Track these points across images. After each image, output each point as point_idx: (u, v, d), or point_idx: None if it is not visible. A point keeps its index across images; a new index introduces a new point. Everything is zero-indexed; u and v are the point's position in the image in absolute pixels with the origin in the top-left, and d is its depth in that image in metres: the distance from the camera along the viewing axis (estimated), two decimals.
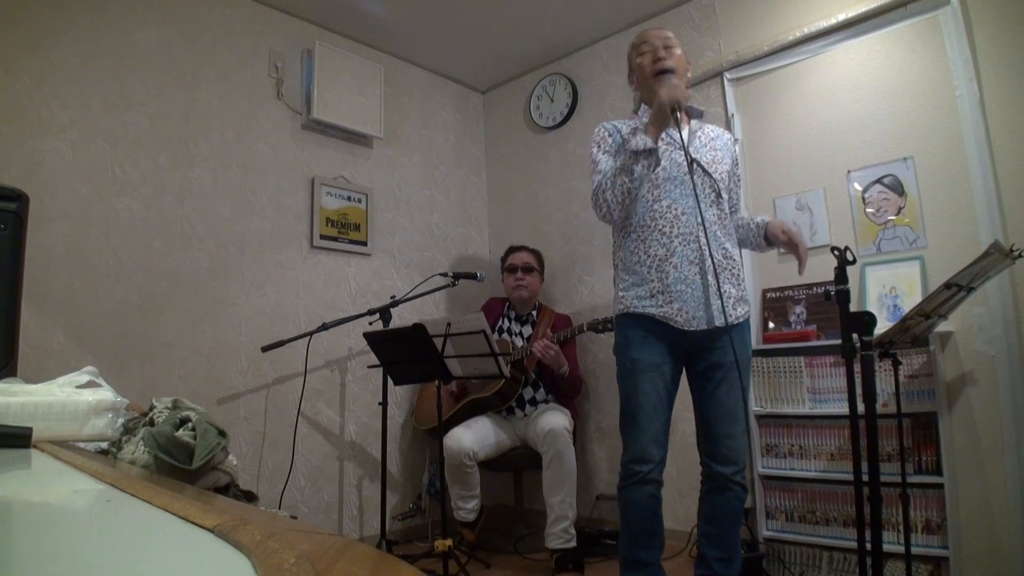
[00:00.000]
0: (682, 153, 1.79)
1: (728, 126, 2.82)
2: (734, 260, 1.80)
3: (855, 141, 2.48)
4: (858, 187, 2.46)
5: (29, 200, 1.45)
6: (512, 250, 3.13)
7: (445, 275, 2.94)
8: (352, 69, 3.11)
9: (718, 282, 1.68)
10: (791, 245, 1.77)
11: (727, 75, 2.83)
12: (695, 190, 1.72)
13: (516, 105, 3.78)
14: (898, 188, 2.36)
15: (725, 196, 1.85)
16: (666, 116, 1.63)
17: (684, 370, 1.83)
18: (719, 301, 1.71)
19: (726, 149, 1.90)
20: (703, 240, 1.73)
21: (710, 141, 1.88)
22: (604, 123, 1.94)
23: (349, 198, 3.13)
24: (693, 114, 1.89)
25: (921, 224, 2.30)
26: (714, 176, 1.80)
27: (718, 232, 1.78)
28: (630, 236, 1.81)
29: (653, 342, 1.74)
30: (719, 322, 1.71)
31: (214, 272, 2.64)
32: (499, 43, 3.42)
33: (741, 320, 1.79)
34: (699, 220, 1.72)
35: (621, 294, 1.81)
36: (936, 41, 2.30)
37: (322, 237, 3.00)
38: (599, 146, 1.88)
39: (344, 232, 3.09)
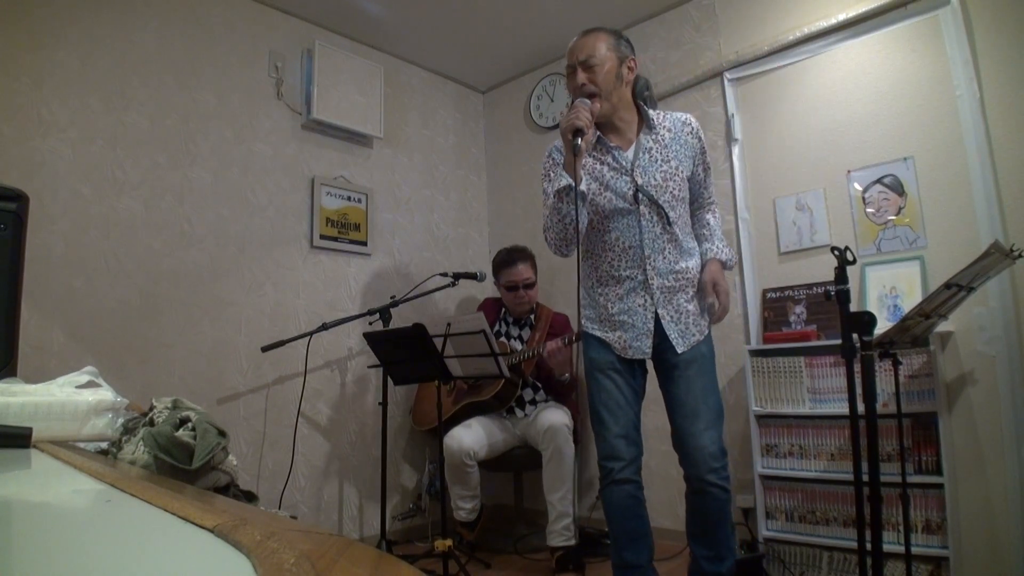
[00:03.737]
0: (627, 180, 1.74)
1: (728, 126, 2.82)
2: (689, 277, 1.78)
3: (855, 141, 2.48)
4: (858, 187, 2.46)
5: (29, 200, 1.45)
6: (505, 264, 2.96)
7: (445, 275, 2.94)
8: (352, 69, 3.11)
9: (646, 319, 1.74)
10: (715, 297, 1.75)
11: (727, 75, 2.83)
12: (639, 221, 1.73)
13: (516, 105, 3.78)
14: (898, 188, 2.36)
15: (679, 211, 1.77)
16: (570, 145, 1.63)
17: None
18: (674, 332, 1.74)
19: (685, 148, 1.79)
20: (649, 273, 1.74)
21: (663, 151, 1.77)
22: (554, 146, 1.85)
23: (349, 198, 3.13)
24: (645, 122, 1.79)
25: (921, 224, 2.30)
26: (661, 202, 1.73)
27: (668, 257, 1.75)
28: (587, 260, 1.84)
29: (608, 345, 1.80)
30: (668, 352, 1.75)
31: (214, 272, 2.64)
32: (499, 43, 3.42)
33: (694, 344, 1.76)
34: (644, 253, 1.74)
35: (582, 312, 1.87)
36: (936, 41, 2.30)
37: (322, 237, 3.00)
38: (547, 178, 1.82)
39: (344, 232, 3.09)
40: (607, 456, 1.75)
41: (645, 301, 1.74)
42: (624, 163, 1.76)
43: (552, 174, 1.80)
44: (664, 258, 1.74)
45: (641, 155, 1.77)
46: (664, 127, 1.81)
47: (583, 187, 1.69)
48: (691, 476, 1.72)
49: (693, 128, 1.83)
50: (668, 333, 1.74)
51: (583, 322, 1.85)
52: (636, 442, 1.75)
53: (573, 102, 1.71)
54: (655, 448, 2.76)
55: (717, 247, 1.83)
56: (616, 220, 1.75)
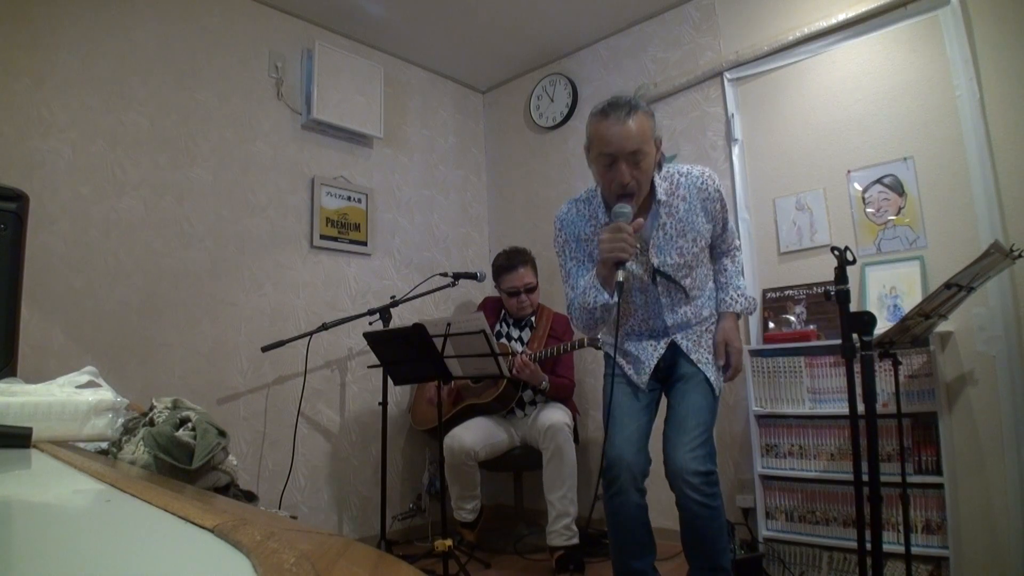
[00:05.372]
0: (643, 260, 1.69)
1: (728, 126, 2.82)
2: (704, 326, 1.80)
3: (855, 141, 2.48)
4: (858, 187, 2.46)
5: (29, 200, 1.45)
6: (506, 268, 2.93)
7: (445, 275, 2.94)
8: (352, 69, 3.11)
9: (657, 358, 1.77)
10: (724, 360, 1.79)
11: (727, 75, 2.83)
12: (658, 297, 1.73)
13: (516, 105, 3.78)
14: (898, 188, 2.36)
15: (696, 273, 1.75)
16: (611, 272, 1.55)
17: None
18: (686, 343, 1.78)
19: (703, 215, 1.70)
20: (672, 332, 1.77)
21: (677, 224, 1.68)
22: (564, 222, 1.77)
23: (349, 198, 3.13)
24: (655, 195, 1.68)
25: (921, 224, 2.30)
26: (678, 278, 1.71)
27: (688, 313, 1.77)
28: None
29: None
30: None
31: (214, 272, 2.64)
32: (499, 43, 3.42)
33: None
34: (665, 323, 1.76)
35: (602, 332, 1.91)
36: (936, 41, 2.30)
37: (322, 237, 3.00)
38: (566, 253, 1.77)
39: (344, 232, 3.09)
40: (614, 462, 1.70)
41: (657, 343, 1.78)
42: (638, 243, 1.68)
43: (569, 252, 1.76)
44: (684, 315, 1.77)
45: (656, 233, 1.68)
46: (678, 196, 1.68)
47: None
48: (671, 486, 1.69)
49: (710, 192, 1.70)
50: (681, 346, 1.76)
51: (606, 347, 1.89)
52: (644, 450, 1.72)
53: (612, 211, 1.57)
54: (657, 447, 2.76)
55: (732, 297, 1.81)
56: (635, 295, 1.75)
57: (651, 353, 1.78)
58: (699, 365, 1.75)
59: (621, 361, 1.82)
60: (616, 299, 1.55)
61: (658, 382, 1.82)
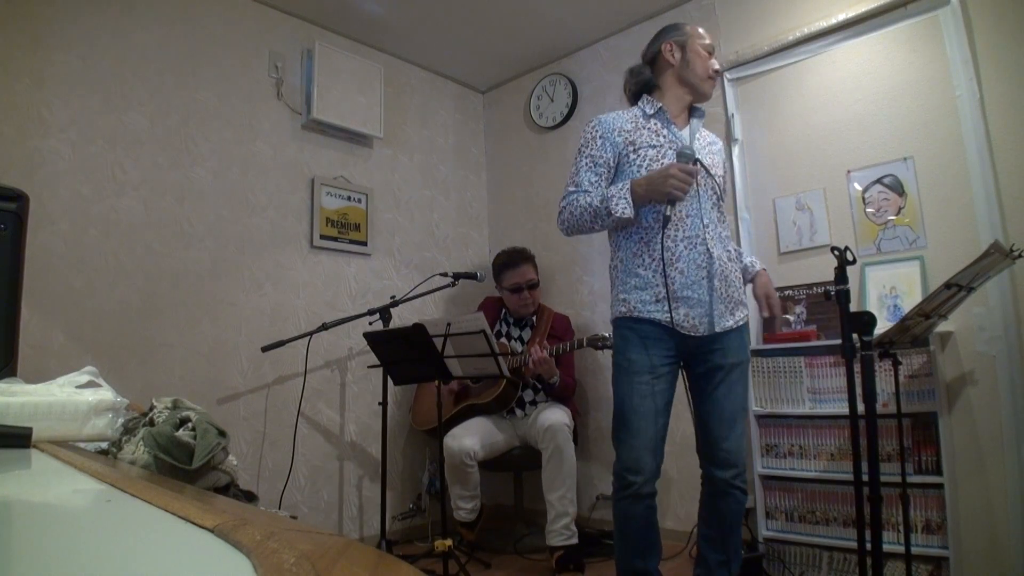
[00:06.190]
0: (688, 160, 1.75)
1: (728, 126, 2.82)
2: (735, 256, 1.82)
3: (855, 141, 2.48)
4: (858, 187, 2.46)
5: (29, 200, 1.45)
6: (508, 266, 2.97)
7: (445, 275, 2.94)
8: (352, 69, 3.11)
9: (709, 289, 1.71)
10: (769, 311, 1.80)
11: (727, 75, 2.83)
12: (698, 191, 1.72)
13: (516, 105, 3.78)
14: (898, 188, 2.36)
15: (723, 199, 1.84)
16: (658, 198, 1.66)
17: (683, 373, 1.80)
18: (722, 306, 1.72)
19: (720, 156, 1.88)
20: (709, 243, 1.70)
21: (708, 145, 1.85)
22: (602, 119, 1.82)
23: (349, 198, 3.13)
24: (696, 114, 1.87)
25: (921, 224, 2.30)
26: (715, 178, 1.78)
27: (721, 232, 1.77)
28: (631, 238, 1.75)
29: (652, 344, 1.69)
30: (719, 327, 1.70)
31: (214, 272, 2.64)
32: (499, 43, 3.42)
33: (742, 323, 1.77)
34: (703, 223, 1.71)
35: (623, 297, 1.74)
36: (936, 41, 2.30)
37: (322, 237, 3.00)
38: (587, 148, 1.80)
39: (344, 232, 3.09)
40: (631, 468, 1.67)
41: (707, 274, 1.68)
42: (681, 139, 1.78)
43: (589, 151, 1.80)
44: (718, 230, 1.75)
45: (695, 138, 1.81)
46: (705, 131, 1.90)
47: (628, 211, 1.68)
48: (716, 478, 1.72)
49: (720, 144, 1.93)
50: (714, 308, 1.69)
51: (632, 304, 1.71)
52: (660, 453, 1.70)
53: (680, 154, 1.67)
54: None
55: (754, 260, 1.89)
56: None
57: (706, 288, 1.68)
58: (744, 350, 1.77)
59: (676, 315, 1.66)
60: (663, 221, 1.66)
61: (675, 362, 1.74)
